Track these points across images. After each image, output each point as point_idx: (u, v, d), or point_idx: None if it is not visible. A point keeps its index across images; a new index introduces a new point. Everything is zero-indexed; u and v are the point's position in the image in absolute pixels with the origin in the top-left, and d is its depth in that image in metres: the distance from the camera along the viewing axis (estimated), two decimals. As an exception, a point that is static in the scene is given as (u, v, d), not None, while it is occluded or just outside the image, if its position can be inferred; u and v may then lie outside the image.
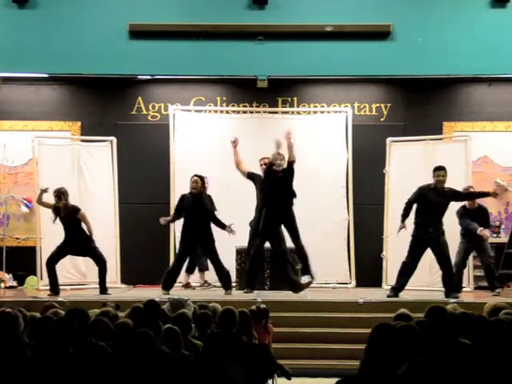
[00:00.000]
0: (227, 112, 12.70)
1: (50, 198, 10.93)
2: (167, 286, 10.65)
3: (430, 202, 10.27)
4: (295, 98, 12.81)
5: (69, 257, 11.45)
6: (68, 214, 10.63)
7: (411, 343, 4.77)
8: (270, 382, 6.08)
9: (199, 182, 10.73)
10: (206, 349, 5.64)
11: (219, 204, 11.21)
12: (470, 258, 11.38)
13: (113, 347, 5.11)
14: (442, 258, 10.42)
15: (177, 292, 10.49)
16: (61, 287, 11.24)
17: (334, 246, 12.08)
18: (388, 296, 10.41)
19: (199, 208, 10.68)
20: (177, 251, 10.98)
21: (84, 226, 10.68)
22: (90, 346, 4.95)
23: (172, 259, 11.84)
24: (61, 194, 10.68)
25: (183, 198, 10.84)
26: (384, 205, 11.94)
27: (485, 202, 12.62)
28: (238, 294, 10.76)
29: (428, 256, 11.62)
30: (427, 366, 4.54)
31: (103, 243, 11.56)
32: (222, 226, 10.72)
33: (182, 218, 10.83)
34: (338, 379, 4.58)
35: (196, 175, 10.79)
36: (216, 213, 10.85)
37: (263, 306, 7.42)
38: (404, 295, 10.59)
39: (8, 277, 11.94)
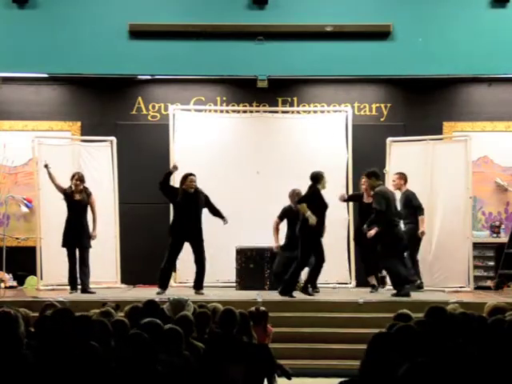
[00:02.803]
0: (227, 112, 12.71)
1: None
2: (164, 286, 10.68)
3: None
4: (295, 98, 12.81)
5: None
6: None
7: (411, 343, 4.77)
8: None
9: (196, 181, 10.76)
10: (207, 349, 5.64)
11: (219, 203, 11.21)
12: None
13: (107, 347, 5.11)
14: None
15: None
16: (61, 287, 11.29)
17: (334, 246, 12.07)
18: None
19: (195, 206, 10.73)
20: (169, 247, 10.89)
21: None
22: (81, 346, 4.95)
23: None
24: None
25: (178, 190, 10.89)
26: (384, 205, 11.93)
27: (484, 199, 12.66)
28: (238, 294, 10.77)
29: (428, 256, 11.66)
30: (428, 366, 4.54)
31: (103, 243, 11.58)
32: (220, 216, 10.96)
33: (174, 212, 10.86)
34: (341, 380, 4.57)
35: (192, 174, 10.79)
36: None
37: (263, 308, 7.41)
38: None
39: (8, 277, 11.94)
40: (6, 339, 4.87)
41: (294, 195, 11.11)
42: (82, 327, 5.15)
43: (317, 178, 10.58)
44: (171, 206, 11.20)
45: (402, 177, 11.35)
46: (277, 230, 11.27)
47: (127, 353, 4.83)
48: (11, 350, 4.81)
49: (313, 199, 10.48)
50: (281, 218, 11.25)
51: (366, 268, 11.35)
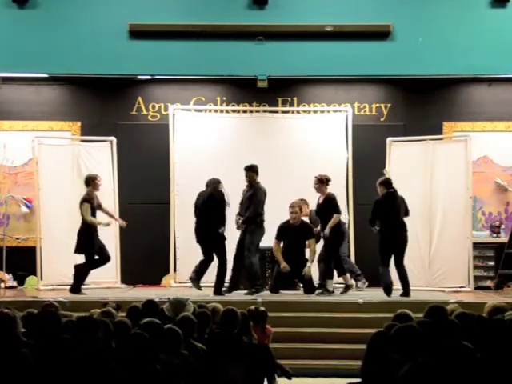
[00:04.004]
0: (227, 112, 12.71)
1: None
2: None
3: None
4: (295, 98, 12.81)
5: (69, 256, 11.51)
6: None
7: (412, 343, 4.76)
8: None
9: None
10: (207, 349, 5.64)
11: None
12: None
13: (108, 348, 5.11)
14: None
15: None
16: (61, 287, 11.29)
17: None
18: None
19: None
20: (222, 251, 10.73)
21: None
22: (82, 346, 4.95)
23: (171, 259, 11.87)
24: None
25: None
26: (384, 205, 11.92)
27: (484, 199, 12.66)
28: (238, 294, 10.76)
29: (428, 256, 11.65)
30: (428, 366, 4.54)
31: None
32: None
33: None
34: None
35: None
36: None
37: (262, 308, 7.41)
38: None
39: (8, 277, 11.94)
40: (4, 339, 4.87)
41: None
42: (85, 328, 5.15)
43: (389, 183, 10.64)
44: (171, 206, 11.21)
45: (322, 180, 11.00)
46: (278, 251, 10.98)
47: (128, 353, 4.82)
48: (10, 350, 4.82)
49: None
50: (278, 238, 10.99)
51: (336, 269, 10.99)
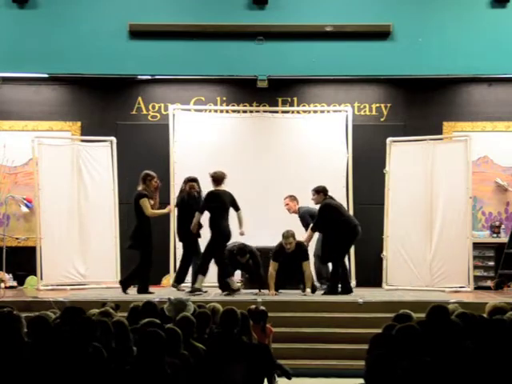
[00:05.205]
0: (227, 112, 12.70)
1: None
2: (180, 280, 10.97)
3: None
4: (295, 98, 12.81)
5: (69, 257, 11.51)
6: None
7: (412, 343, 4.77)
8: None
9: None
10: (207, 349, 5.65)
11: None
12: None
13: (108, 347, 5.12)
14: None
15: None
16: (61, 287, 11.29)
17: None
18: None
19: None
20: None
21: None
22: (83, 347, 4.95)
23: (172, 259, 11.87)
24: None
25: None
26: (384, 205, 11.94)
27: (484, 199, 12.66)
28: (237, 294, 10.75)
29: (428, 256, 11.65)
30: (429, 365, 4.54)
31: (103, 243, 11.59)
32: None
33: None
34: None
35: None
36: None
37: (262, 307, 7.41)
38: (404, 295, 10.61)
39: (8, 277, 11.94)
40: (9, 338, 4.88)
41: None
42: (84, 329, 5.15)
43: (327, 190, 10.96)
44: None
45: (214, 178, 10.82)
46: (272, 277, 10.69)
47: (140, 351, 4.82)
48: (13, 349, 4.83)
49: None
50: (276, 259, 10.74)
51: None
